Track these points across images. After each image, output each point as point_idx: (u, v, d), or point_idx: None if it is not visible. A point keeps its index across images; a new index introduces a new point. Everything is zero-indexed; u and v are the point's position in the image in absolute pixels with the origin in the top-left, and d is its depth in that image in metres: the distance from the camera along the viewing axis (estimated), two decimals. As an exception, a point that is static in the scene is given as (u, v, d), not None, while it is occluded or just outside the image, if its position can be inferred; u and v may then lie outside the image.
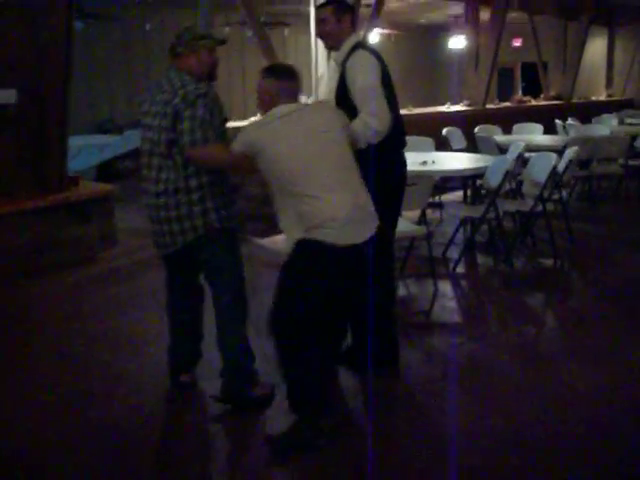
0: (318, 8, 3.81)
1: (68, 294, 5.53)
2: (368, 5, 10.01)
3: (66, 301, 5.36)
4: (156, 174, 3.37)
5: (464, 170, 6.16)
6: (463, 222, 6.52)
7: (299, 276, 3.18)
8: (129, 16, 12.55)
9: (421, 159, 6.43)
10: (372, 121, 3.48)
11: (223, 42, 3.56)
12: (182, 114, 3.21)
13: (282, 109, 3.22)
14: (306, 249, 3.12)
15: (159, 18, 13.30)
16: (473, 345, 4.39)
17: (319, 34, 3.80)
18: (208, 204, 3.36)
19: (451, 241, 6.32)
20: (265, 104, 3.30)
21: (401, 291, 5.38)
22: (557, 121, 10.97)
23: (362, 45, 3.70)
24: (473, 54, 12.05)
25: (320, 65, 9.25)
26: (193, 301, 3.75)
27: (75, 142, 11.64)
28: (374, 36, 11.01)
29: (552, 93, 14.92)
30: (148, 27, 13.28)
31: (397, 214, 4.02)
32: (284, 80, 3.30)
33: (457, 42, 16.80)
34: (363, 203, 3.18)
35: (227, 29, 13.78)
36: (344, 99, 3.63)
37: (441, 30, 18.58)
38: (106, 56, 12.98)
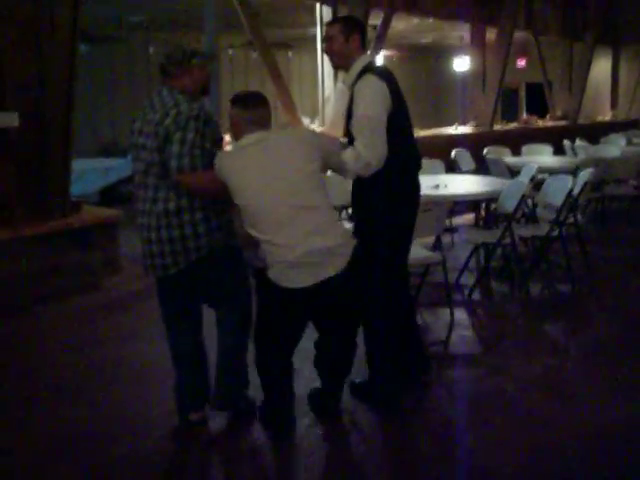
0: (327, 25, 3.67)
1: (70, 323, 5.34)
2: (374, 27, 9.90)
3: (68, 330, 5.18)
4: (153, 194, 3.27)
5: (479, 194, 6.00)
6: (477, 247, 6.33)
7: (260, 300, 3.39)
8: (133, 39, 12.48)
9: (432, 182, 6.28)
10: (365, 153, 3.34)
11: (213, 58, 3.51)
12: (174, 137, 3.12)
13: (248, 139, 3.18)
14: (260, 280, 3.26)
15: (163, 41, 13.22)
16: (494, 378, 4.19)
17: (326, 52, 3.65)
18: (212, 223, 3.29)
19: (465, 267, 6.13)
20: (235, 133, 3.26)
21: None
22: (565, 142, 10.84)
23: (371, 68, 3.53)
24: (479, 75, 11.94)
25: (326, 87, 9.12)
26: (194, 329, 3.58)
27: (78, 166, 11.50)
28: (378, 58, 10.88)
29: (558, 113, 14.81)
30: (152, 50, 13.20)
31: (409, 240, 3.85)
32: (249, 109, 3.22)
33: (461, 63, 16.76)
34: (321, 246, 3.08)
35: (231, 51, 13.76)
36: (348, 124, 3.52)
37: (444, 51, 18.54)
38: (110, 79, 12.89)
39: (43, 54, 5.85)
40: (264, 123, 3.24)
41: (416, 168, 3.78)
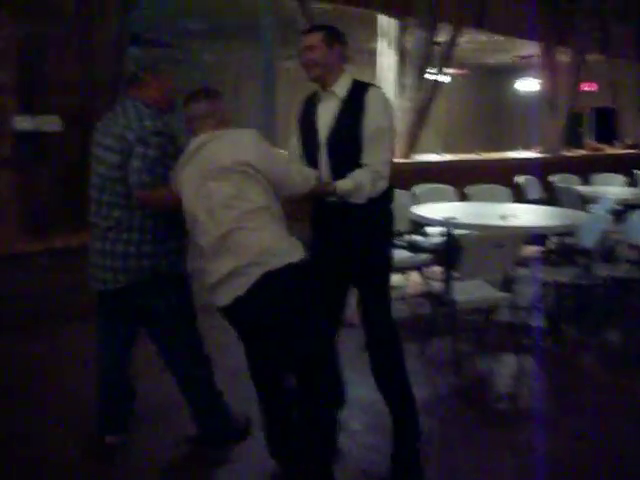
0: (306, 34, 3.33)
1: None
2: (438, 43, 9.39)
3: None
4: (107, 211, 3.13)
5: (554, 227, 5.42)
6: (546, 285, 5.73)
7: None
8: (188, 46, 12.17)
9: (498, 211, 5.73)
10: (384, 170, 3.17)
11: (178, 61, 3.39)
12: (135, 152, 3.00)
13: (193, 142, 2.99)
14: None
15: (219, 50, 12.91)
16: (571, 443, 3.62)
17: (304, 62, 3.27)
18: (159, 247, 3.15)
19: (533, 307, 5.53)
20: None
21: (479, 367, 4.66)
22: (636, 172, 10.14)
23: (370, 83, 3.30)
24: (548, 97, 11.30)
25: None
26: (122, 350, 3.45)
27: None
28: (444, 77, 10.32)
29: (628, 141, 14.05)
30: (206, 57, 12.88)
31: (389, 270, 3.42)
32: (188, 104, 3.07)
33: (525, 84, 16.15)
34: (246, 263, 2.81)
35: (289, 63, 13.37)
36: (346, 138, 3.17)
37: (507, 71, 17.92)
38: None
39: (89, 55, 5.51)
40: (209, 119, 3.02)
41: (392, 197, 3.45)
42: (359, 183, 3.10)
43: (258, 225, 2.85)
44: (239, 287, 2.82)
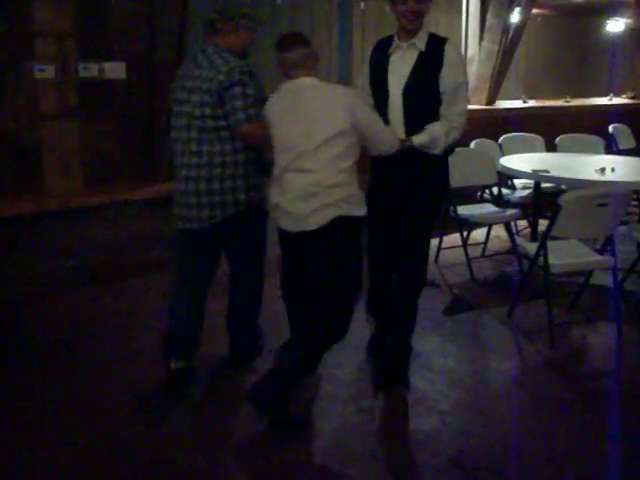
0: None
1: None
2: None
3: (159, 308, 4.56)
4: (197, 147, 3.30)
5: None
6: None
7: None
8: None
9: (593, 164, 5.24)
10: (459, 121, 3.31)
11: (260, 23, 3.54)
12: (233, 91, 3.18)
13: (289, 84, 3.21)
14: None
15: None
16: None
17: (410, 11, 3.25)
18: (250, 180, 3.36)
19: (631, 270, 5.02)
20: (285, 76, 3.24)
21: (574, 337, 4.25)
22: None
23: (446, 38, 3.40)
24: (640, 38, 10.47)
25: (469, 47, 8.08)
26: (202, 281, 3.61)
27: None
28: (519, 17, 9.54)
29: None
30: (279, 1, 12.41)
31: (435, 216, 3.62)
32: (285, 50, 3.19)
33: (616, 25, 15.10)
34: (327, 203, 3.10)
35: (362, 4, 12.81)
36: (424, 91, 3.31)
37: (592, 11, 16.84)
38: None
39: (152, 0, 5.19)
40: (306, 64, 3.18)
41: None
42: (435, 136, 3.28)
43: (348, 178, 3.12)
44: (314, 222, 3.09)
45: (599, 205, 3.83)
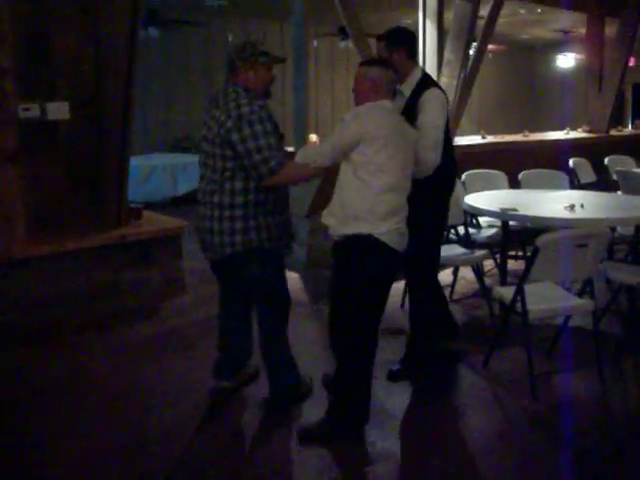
0: (376, 39, 3.84)
1: (113, 360, 4.38)
2: (481, 17, 8.64)
3: (107, 370, 4.21)
4: (205, 185, 3.42)
5: (633, 219, 4.73)
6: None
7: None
8: (211, 25, 11.52)
9: (563, 201, 5.05)
10: (434, 157, 3.59)
11: (282, 60, 3.57)
12: (243, 132, 3.19)
13: (388, 103, 3.28)
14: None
15: (243, 29, 12.26)
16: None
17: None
18: (250, 222, 3.35)
19: (606, 310, 4.83)
20: (369, 94, 3.27)
21: (556, 386, 4.00)
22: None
23: (433, 81, 3.81)
24: (595, 73, 10.50)
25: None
26: (241, 310, 3.78)
27: (150, 162, 10.71)
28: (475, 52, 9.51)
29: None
30: (231, 37, 12.22)
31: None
32: (390, 70, 3.33)
33: (565, 60, 15.31)
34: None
35: (316, 41, 12.72)
36: None
37: (544, 47, 17.09)
38: (185, 67, 11.96)
39: (99, 36, 4.90)
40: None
41: (453, 174, 3.99)
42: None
43: None
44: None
45: (578, 246, 3.62)
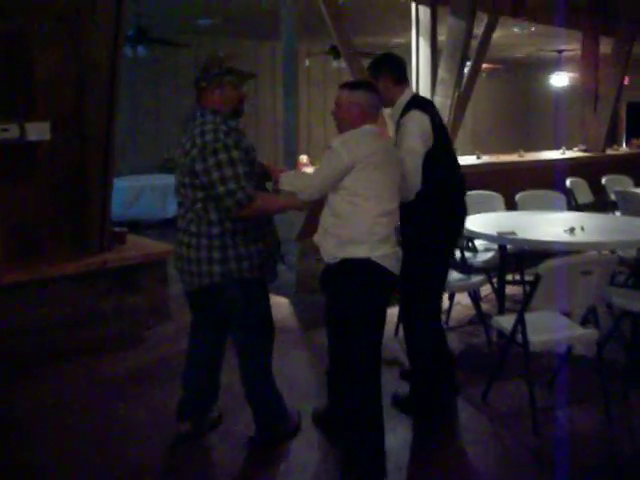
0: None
1: (95, 392, 4.16)
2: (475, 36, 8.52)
3: (87, 404, 3.99)
4: (183, 212, 3.24)
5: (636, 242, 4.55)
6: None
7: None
8: (200, 44, 11.38)
9: (562, 223, 4.88)
10: (411, 181, 3.49)
11: (251, 76, 3.34)
12: (207, 162, 3.02)
13: (371, 130, 3.15)
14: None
15: (233, 48, 12.11)
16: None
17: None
18: (230, 252, 3.17)
19: (609, 337, 4.61)
20: (355, 119, 3.15)
21: (560, 421, 3.78)
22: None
23: (416, 103, 3.67)
24: (591, 92, 10.37)
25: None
26: (215, 342, 3.57)
27: (138, 183, 10.52)
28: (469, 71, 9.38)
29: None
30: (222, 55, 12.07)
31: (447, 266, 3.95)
32: (374, 93, 3.23)
33: (559, 79, 15.20)
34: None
35: (307, 61, 12.58)
36: None
37: (538, 66, 17.02)
38: (174, 86, 11.80)
39: (81, 54, 4.72)
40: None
41: (457, 195, 3.84)
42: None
43: None
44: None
45: (582, 273, 3.43)
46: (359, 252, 3.03)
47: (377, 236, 3.04)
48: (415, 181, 3.49)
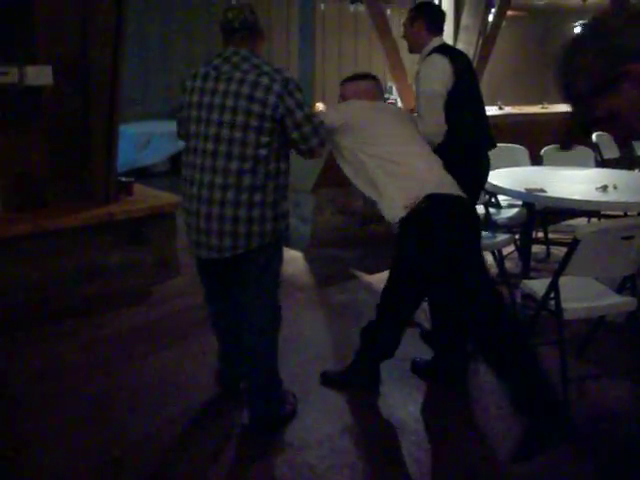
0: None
1: (99, 353, 3.96)
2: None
3: (93, 365, 3.80)
4: (225, 163, 2.79)
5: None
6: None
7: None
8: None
9: (593, 180, 4.61)
10: (421, 126, 3.49)
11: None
12: (297, 109, 2.80)
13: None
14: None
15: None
16: None
17: (403, 37, 3.97)
18: (279, 209, 2.90)
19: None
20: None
21: (585, 399, 3.56)
22: None
23: (439, 49, 3.71)
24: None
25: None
26: (233, 307, 3.16)
27: (146, 129, 10.24)
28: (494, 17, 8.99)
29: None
30: (234, 2, 11.64)
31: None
32: (374, 80, 3.55)
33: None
34: None
35: (323, 5, 12.13)
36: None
37: (560, 13, 16.46)
38: (186, 25, 11.37)
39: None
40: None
41: (483, 146, 3.88)
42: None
43: None
44: None
45: (623, 238, 3.17)
46: (416, 195, 2.96)
47: (422, 174, 3.08)
48: (431, 120, 3.52)
